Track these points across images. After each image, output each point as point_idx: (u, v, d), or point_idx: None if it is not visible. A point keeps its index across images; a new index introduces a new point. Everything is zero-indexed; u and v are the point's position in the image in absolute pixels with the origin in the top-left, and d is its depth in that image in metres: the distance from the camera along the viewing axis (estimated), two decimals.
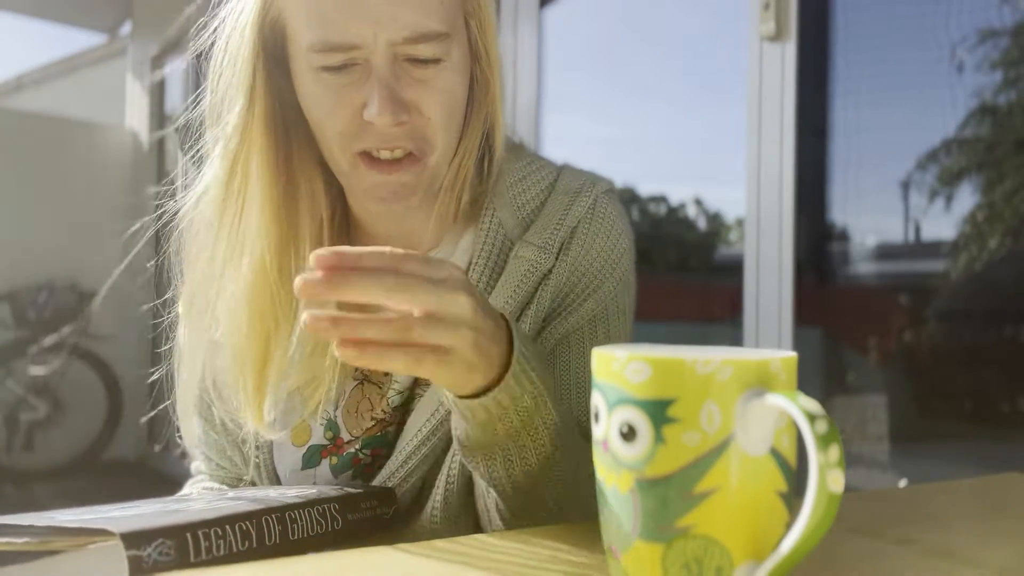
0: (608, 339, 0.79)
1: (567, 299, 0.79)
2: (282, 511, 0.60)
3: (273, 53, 0.75)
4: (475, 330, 0.56)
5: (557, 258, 0.78)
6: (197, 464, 0.92)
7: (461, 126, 0.78)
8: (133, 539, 0.50)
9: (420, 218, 0.80)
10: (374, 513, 0.69)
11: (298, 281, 0.50)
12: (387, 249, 0.53)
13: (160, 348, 0.84)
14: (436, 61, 0.72)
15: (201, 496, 0.81)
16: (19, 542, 0.53)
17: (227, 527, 0.55)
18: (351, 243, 0.83)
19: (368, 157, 0.73)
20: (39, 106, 6.89)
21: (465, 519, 0.76)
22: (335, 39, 0.69)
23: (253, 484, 0.85)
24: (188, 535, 0.53)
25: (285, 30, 0.73)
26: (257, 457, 0.82)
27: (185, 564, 0.52)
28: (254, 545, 0.56)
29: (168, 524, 0.52)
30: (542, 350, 0.77)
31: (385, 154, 0.73)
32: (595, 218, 0.80)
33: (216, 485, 0.89)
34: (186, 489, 0.91)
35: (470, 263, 0.79)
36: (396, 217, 0.81)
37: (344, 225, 0.83)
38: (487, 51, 0.77)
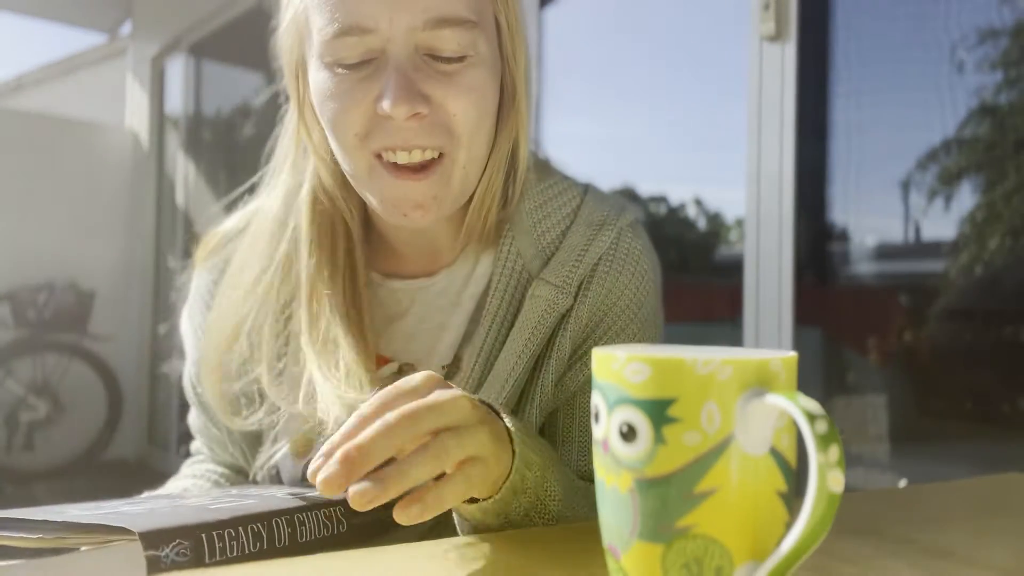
0: None
1: (587, 343, 0.74)
2: (291, 513, 0.59)
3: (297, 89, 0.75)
4: (482, 422, 0.53)
5: (576, 298, 0.73)
6: (197, 445, 0.90)
7: (492, 135, 0.72)
8: (152, 539, 0.50)
9: (445, 233, 0.78)
10: (376, 518, 0.69)
11: (320, 476, 0.47)
12: (369, 410, 0.51)
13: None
14: (461, 58, 0.67)
15: (202, 491, 0.80)
16: (32, 538, 0.53)
17: (239, 528, 0.55)
18: (376, 261, 0.82)
19: (387, 163, 0.68)
20: (39, 106, 6.87)
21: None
22: (348, 21, 0.65)
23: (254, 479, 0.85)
24: (203, 536, 0.52)
25: (307, 42, 0.71)
26: (263, 467, 0.82)
27: (200, 564, 0.52)
28: (264, 547, 0.56)
29: (184, 524, 0.52)
30: (528, 425, 0.71)
31: (403, 156, 0.67)
32: (618, 255, 0.75)
33: (216, 467, 0.87)
34: (184, 469, 0.89)
35: (487, 294, 0.75)
36: (420, 230, 0.77)
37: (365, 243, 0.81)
38: (514, 52, 0.72)
